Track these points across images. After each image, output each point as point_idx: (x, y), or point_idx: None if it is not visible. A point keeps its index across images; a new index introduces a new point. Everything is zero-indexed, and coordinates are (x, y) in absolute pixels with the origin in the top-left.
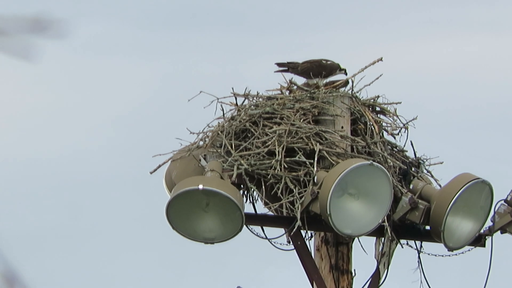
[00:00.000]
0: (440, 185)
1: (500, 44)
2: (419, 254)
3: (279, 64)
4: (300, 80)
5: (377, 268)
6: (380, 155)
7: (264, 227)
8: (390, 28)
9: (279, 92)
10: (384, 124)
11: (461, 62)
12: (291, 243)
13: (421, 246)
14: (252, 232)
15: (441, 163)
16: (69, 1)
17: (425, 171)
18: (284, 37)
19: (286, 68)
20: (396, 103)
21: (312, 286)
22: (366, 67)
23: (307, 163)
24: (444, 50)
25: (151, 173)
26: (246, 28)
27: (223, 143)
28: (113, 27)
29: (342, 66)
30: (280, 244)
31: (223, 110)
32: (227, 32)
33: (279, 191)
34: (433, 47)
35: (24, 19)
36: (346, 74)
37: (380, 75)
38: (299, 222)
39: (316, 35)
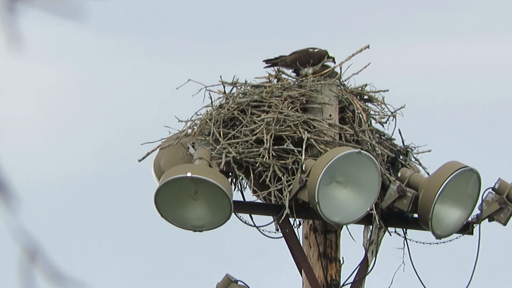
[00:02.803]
0: (428, 173)
1: (486, 43)
2: (406, 240)
3: (267, 61)
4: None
5: (365, 256)
6: (368, 143)
7: (252, 215)
8: (377, 19)
9: (267, 80)
10: (372, 112)
11: (449, 53)
12: (280, 231)
13: (406, 232)
14: (241, 220)
15: (429, 151)
16: None
17: (413, 159)
18: (269, 37)
19: (276, 63)
20: (384, 91)
21: (301, 273)
22: (353, 55)
23: (295, 151)
24: (431, 41)
25: (139, 161)
26: (231, 30)
27: (211, 131)
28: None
29: (330, 54)
30: (269, 232)
31: (211, 98)
32: (215, 34)
33: (268, 179)
34: (421, 37)
35: None
36: (334, 62)
37: (368, 64)
38: (287, 210)
39: (301, 31)
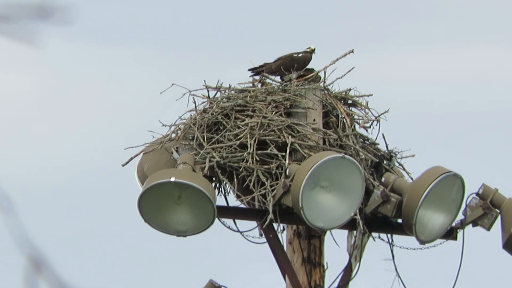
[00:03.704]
0: (412, 178)
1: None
2: (391, 247)
3: (252, 70)
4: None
5: (349, 261)
6: (352, 148)
7: (236, 220)
8: (360, 27)
9: (251, 85)
10: (356, 117)
11: (431, 60)
12: (263, 236)
13: (392, 239)
14: (224, 225)
15: (413, 156)
16: None
17: (397, 164)
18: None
19: (261, 71)
20: (368, 96)
21: (285, 279)
22: (337, 59)
23: (279, 155)
24: (414, 49)
25: (123, 165)
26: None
27: (195, 135)
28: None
29: (312, 47)
30: (252, 237)
31: (195, 102)
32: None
33: (251, 183)
34: (404, 44)
35: (29, 5)
36: (314, 53)
37: (352, 68)
38: (271, 215)
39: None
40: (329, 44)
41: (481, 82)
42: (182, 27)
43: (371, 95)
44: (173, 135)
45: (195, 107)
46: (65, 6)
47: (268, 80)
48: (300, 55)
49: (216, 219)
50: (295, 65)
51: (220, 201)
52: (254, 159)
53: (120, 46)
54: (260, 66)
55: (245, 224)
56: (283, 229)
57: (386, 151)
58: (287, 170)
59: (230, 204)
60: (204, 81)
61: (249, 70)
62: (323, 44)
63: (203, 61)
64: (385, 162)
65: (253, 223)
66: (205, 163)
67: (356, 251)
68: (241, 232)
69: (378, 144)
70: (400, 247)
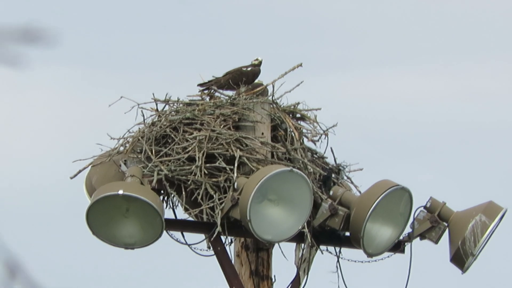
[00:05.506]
0: (360, 192)
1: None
2: (338, 259)
3: (201, 85)
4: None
5: (297, 274)
6: (300, 161)
7: (184, 233)
8: (308, 48)
9: (199, 98)
10: (304, 130)
11: (375, 80)
12: (211, 248)
13: (340, 252)
14: (172, 238)
15: (361, 169)
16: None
17: (345, 178)
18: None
19: (210, 85)
20: (316, 109)
21: None
22: (286, 73)
23: (227, 169)
24: (362, 70)
25: (71, 178)
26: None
27: (144, 148)
28: None
29: (259, 58)
30: (200, 250)
31: (143, 115)
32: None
33: (199, 197)
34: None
35: (14, 29)
36: (260, 64)
37: (301, 82)
38: (219, 228)
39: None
40: (277, 60)
41: (427, 100)
42: (132, 47)
43: (320, 109)
44: (122, 148)
45: (144, 120)
46: (50, 29)
47: (216, 94)
48: (249, 69)
49: (164, 232)
50: (244, 79)
51: (168, 214)
52: (203, 172)
53: (69, 64)
54: (210, 81)
55: (193, 237)
56: (231, 242)
57: (335, 165)
58: (235, 184)
59: (178, 217)
60: (153, 94)
61: (198, 85)
62: (271, 58)
63: (152, 78)
64: (333, 175)
65: (201, 236)
66: (153, 176)
67: (304, 264)
68: (189, 245)
69: (327, 157)
70: (348, 260)
